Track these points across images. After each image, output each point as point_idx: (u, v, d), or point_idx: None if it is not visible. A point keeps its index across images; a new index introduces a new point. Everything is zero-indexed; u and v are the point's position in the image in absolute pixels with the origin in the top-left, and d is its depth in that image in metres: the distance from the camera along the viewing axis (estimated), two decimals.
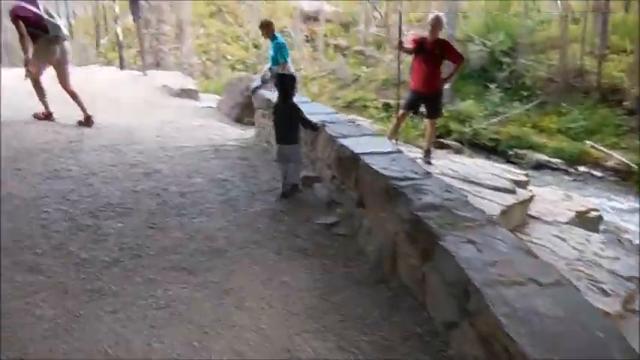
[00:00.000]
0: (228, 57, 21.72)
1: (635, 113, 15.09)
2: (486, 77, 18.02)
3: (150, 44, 15.95)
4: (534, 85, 17.34)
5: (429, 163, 6.98)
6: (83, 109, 6.49)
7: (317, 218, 4.20)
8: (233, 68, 20.39)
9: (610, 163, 14.19)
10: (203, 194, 4.65)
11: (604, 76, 15.72)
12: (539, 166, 14.81)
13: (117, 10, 22.66)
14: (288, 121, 4.56)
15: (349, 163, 4.10)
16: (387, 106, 19.11)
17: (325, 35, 23.20)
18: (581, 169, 14.46)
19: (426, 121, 7.08)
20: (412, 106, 6.80)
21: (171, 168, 5.31)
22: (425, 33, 6.68)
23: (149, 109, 7.76)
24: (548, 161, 14.89)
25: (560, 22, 16.52)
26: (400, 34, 6.48)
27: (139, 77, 9.93)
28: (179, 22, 19.03)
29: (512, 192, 6.43)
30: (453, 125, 16.16)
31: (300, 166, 4.74)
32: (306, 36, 23.27)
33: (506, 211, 5.88)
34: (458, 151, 9.32)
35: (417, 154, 7.78)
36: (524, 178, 7.66)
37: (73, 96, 6.45)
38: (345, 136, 4.47)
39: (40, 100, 6.43)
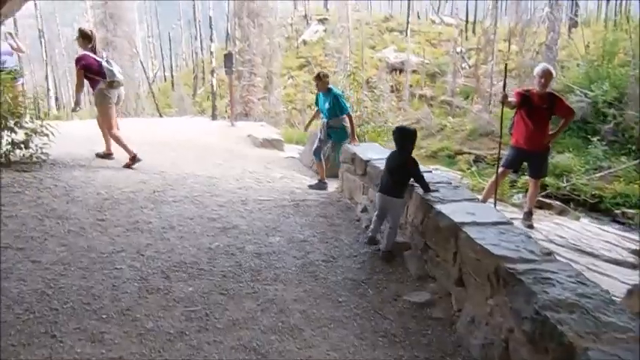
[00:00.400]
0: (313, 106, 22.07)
1: None
2: (587, 130, 16.60)
3: (240, 95, 16.47)
4: None
5: (530, 226, 6.13)
6: (128, 151, 6.57)
7: (407, 294, 3.60)
8: None
9: None
10: (280, 256, 4.22)
11: None
12: None
13: (214, 63, 24.04)
14: (399, 172, 4.20)
15: (447, 233, 3.50)
16: (476, 157, 18.18)
17: (411, 85, 22.88)
18: None
19: (529, 180, 6.27)
20: (513, 164, 6.06)
21: (249, 224, 4.98)
22: (530, 86, 6.02)
23: (233, 159, 7.64)
24: None
25: None
26: (505, 87, 5.85)
27: (227, 127, 10.06)
28: (269, 74, 19.60)
29: (636, 266, 5.40)
30: (549, 179, 14.88)
31: (396, 227, 4.22)
32: (392, 86, 23.08)
33: (633, 292, 4.87)
34: (561, 212, 8.26)
35: (513, 213, 6.95)
36: None
37: (116, 139, 6.59)
38: (442, 201, 3.89)
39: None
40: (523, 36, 16.98)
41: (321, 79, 6.80)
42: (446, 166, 17.97)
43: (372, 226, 4.47)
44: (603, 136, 15.85)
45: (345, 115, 6.73)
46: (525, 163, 6.22)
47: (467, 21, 29.59)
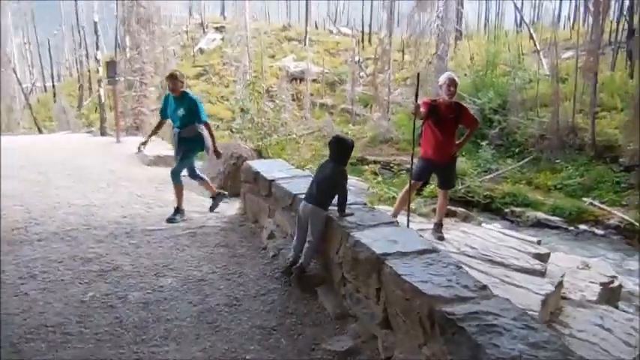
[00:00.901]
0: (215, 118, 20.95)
1: (632, 170, 14.49)
2: (477, 135, 17.36)
3: (130, 106, 15.08)
4: (526, 142, 16.78)
5: (441, 238, 5.92)
6: None
7: (326, 341, 3.04)
8: (217, 127, 19.55)
9: (612, 221, 13.36)
10: (173, 304, 3.47)
11: (598, 133, 15.20)
12: (538, 224, 13.93)
13: (100, 72, 22.02)
14: (329, 183, 3.72)
15: (368, 266, 3.01)
16: (382, 166, 18.41)
17: (311, 94, 22.72)
18: (582, 227, 13.63)
19: (438, 191, 6.07)
20: (423, 176, 5.81)
21: (134, 262, 4.14)
22: (436, 96, 5.82)
23: (119, 181, 6.62)
24: (547, 219, 14.01)
25: (552, 80, 16.17)
26: (417, 97, 5.53)
27: (112, 144, 8.81)
28: (163, 83, 18.25)
29: (543, 273, 5.37)
30: None
31: (316, 242, 3.66)
32: (293, 95, 22.75)
33: (545, 301, 4.79)
34: (465, 218, 8.27)
35: (421, 224, 6.76)
36: (544, 250, 6.64)
37: None
38: (359, 227, 3.40)
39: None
40: (417, 46, 17.48)
41: (176, 80, 5.47)
42: (349, 173, 18.03)
43: (292, 249, 3.88)
44: (490, 140, 16.78)
45: (201, 124, 5.58)
46: (434, 174, 6.01)
47: (363, 32, 30.28)
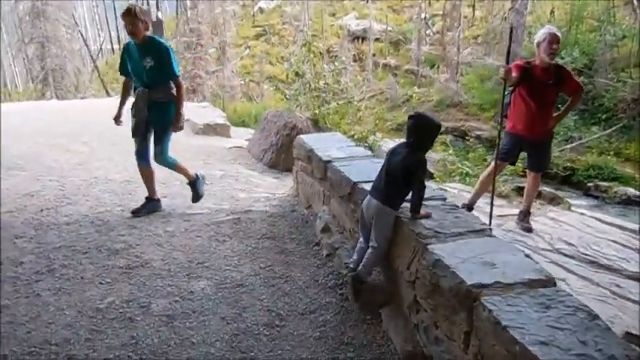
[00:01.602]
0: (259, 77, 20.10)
1: None
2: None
3: (185, 69, 14.58)
4: (615, 108, 14.78)
5: (528, 229, 4.92)
6: None
7: None
8: (277, 88, 18.81)
9: None
10: (202, 320, 2.80)
11: None
12: (628, 201, 12.32)
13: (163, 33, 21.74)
14: (404, 174, 2.81)
15: (454, 299, 2.16)
16: (449, 132, 17.03)
17: (374, 54, 21.34)
18: None
19: (528, 173, 5.00)
20: (511, 156, 4.74)
21: (166, 257, 3.52)
22: (532, 57, 4.69)
23: None
24: (639, 196, 12.41)
25: None
26: (508, 57, 4.43)
27: None
28: (222, 44, 17.67)
29: None
30: None
31: (381, 247, 2.85)
32: (354, 55, 21.50)
33: None
34: (552, 200, 7.09)
35: (502, 208, 5.76)
36: None
37: None
38: (439, 235, 2.53)
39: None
40: (491, 0, 15.63)
41: (135, 18, 3.87)
42: None
43: (356, 252, 3.07)
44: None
45: (174, 82, 4.15)
46: (524, 153, 4.94)
47: None
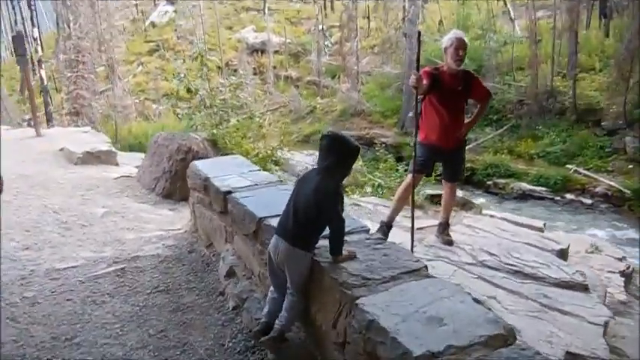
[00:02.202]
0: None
1: (615, 133, 13.62)
2: None
3: (67, 89, 13.06)
4: (504, 109, 15.69)
5: (449, 242, 4.64)
6: None
7: None
8: (173, 106, 17.64)
9: (599, 189, 12.51)
10: None
11: (578, 96, 14.19)
12: (523, 196, 13.02)
13: (39, 51, 19.57)
14: (316, 207, 2.24)
15: None
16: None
17: (274, 67, 20.94)
18: (568, 196, 12.78)
19: (444, 183, 4.73)
20: (426, 167, 4.42)
21: (21, 336, 2.66)
22: (440, 62, 4.42)
23: (30, 190, 4.98)
24: (532, 190, 13.11)
25: (529, 41, 14.96)
26: (418, 64, 4.06)
27: (29, 138, 6.94)
28: (110, 61, 16.19)
29: (586, 287, 4.15)
30: None
31: (298, 295, 2.28)
32: (254, 68, 20.94)
33: (606, 332, 3.57)
34: (464, 205, 7.01)
35: (418, 220, 5.48)
36: (561, 241, 5.48)
37: None
38: (369, 283, 2.01)
39: None
40: (386, 10, 15.91)
41: None
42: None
43: (267, 303, 2.47)
44: (466, 108, 15.61)
45: None
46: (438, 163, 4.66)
47: None
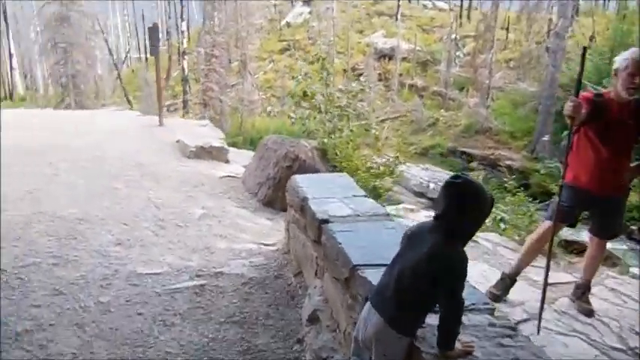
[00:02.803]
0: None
1: None
2: None
3: (201, 81, 13.70)
4: None
5: (589, 312, 3.65)
6: None
7: None
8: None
9: None
10: None
11: None
12: None
13: (184, 43, 21.11)
14: (423, 279, 1.66)
15: None
16: (469, 158, 15.71)
17: (400, 74, 20.23)
18: None
19: (590, 238, 3.76)
20: (571, 216, 3.52)
21: (81, 350, 2.42)
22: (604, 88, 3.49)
23: (140, 181, 4.99)
24: None
25: None
26: (578, 88, 3.20)
27: (152, 127, 7.18)
28: (243, 57, 16.82)
29: None
30: (553, 185, 12.56)
31: None
32: (380, 74, 20.43)
33: None
34: (606, 259, 5.74)
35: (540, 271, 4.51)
36: None
37: None
38: None
39: None
40: (529, 21, 14.37)
41: None
42: (439, 166, 15.58)
43: None
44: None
45: None
46: (586, 212, 3.71)
47: (462, 6, 26.87)
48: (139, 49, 32.15)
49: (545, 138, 14.11)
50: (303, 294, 2.98)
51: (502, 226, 6.08)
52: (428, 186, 14.00)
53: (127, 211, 4.22)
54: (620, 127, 3.27)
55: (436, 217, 1.73)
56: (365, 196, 3.21)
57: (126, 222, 4.00)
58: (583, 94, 3.36)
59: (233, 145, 16.39)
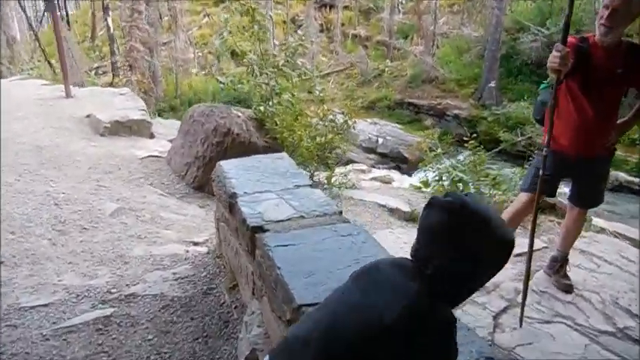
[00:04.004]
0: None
1: None
2: (542, 74, 13.92)
3: (119, 42, 12.21)
4: None
5: (568, 288, 3.23)
6: None
7: None
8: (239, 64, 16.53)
9: None
10: None
11: None
12: (619, 188, 11.01)
13: None
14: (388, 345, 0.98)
15: None
16: (416, 109, 15.22)
17: (342, 24, 19.20)
18: None
19: (569, 206, 3.27)
20: (551, 184, 2.97)
21: None
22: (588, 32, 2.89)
23: (40, 168, 4.03)
24: (631, 182, 11.14)
25: None
26: (567, 33, 2.56)
27: (58, 99, 5.89)
28: (173, 11, 15.22)
29: None
30: (502, 133, 12.42)
31: None
32: (321, 25, 19.32)
33: None
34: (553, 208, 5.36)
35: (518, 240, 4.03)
36: None
37: None
38: None
39: None
40: None
41: None
42: (387, 119, 15.04)
43: None
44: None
45: None
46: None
47: None
48: (58, 4, 28.93)
49: (492, 84, 13.82)
50: (239, 317, 2.31)
51: (460, 187, 5.59)
52: (377, 141, 13.50)
53: (17, 214, 3.32)
54: (608, 78, 2.70)
55: (415, 257, 1.07)
56: (310, 185, 2.50)
57: (13, 230, 3.12)
58: (571, 39, 2.73)
59: (171, 109, 15.09)
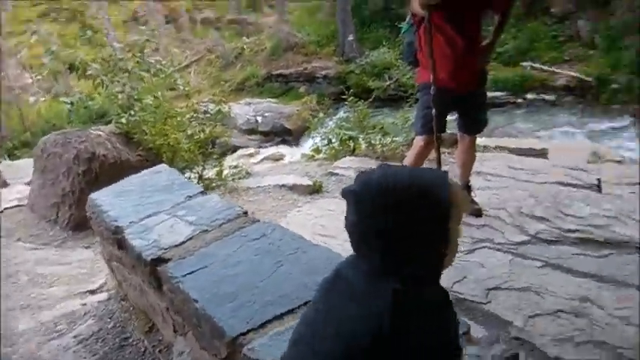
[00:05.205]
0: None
1: (566, 20, 12.62)
2: (393, 17, 14.48)
3: None
4: None
5: (477, 212, 3.35)
6: None
7: None
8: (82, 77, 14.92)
9: (560, 82, 11.69)
10: None
11: None
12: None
13: None
14: None
15: None
16: (285, 80, 15.09)
17: (187, 10, 18.22)
18: (529, 96, 11.96)
19: (460, 136, 3.34)
20: (440, 119, 2.98)
21: None
22: None
23: None
24: (493, 97, 12.18)
25: None
26: None
27: None
28: None
29: None
30: (371, 82, 12.78)
31: None
32: (166, 16, 18.14)
33: None
34: (455, 143, 5.67)
35: None
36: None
37: None
38: None
39: None
40: None
41: None
42: (259, 97, 14.73)
43: None
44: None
45: None
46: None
47: None
48: None
49: (350, 38, 14.06)
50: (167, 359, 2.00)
51: (351, 144, 5.58)
52: (256, 120, 13.17)
53: None
54: (466, 5, 2.76)
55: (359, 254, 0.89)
56: (202, 192, 2.20)
57: None
58: None
59: (23, 146, 13.23)
